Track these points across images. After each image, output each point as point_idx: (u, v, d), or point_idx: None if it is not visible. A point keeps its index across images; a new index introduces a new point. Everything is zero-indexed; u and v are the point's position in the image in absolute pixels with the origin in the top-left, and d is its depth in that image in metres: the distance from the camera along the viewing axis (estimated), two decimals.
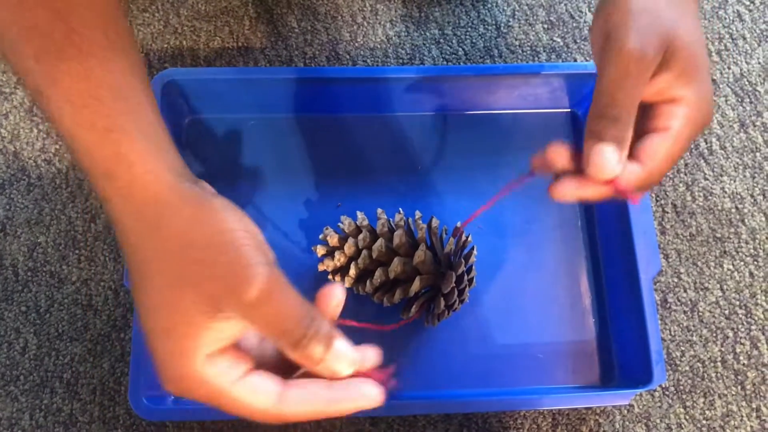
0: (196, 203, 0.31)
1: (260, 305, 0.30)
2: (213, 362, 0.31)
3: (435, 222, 0.51)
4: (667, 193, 0.60)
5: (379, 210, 0.51)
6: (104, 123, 0.30)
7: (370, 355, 0.34)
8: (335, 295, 0.34)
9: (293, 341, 0.31)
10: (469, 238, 0.51)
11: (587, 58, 0.64)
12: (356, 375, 0.33)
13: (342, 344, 0.32)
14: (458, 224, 0.48)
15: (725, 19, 0.66)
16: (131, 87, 0.32)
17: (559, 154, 0.37)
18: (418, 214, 0.51)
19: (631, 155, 0.37)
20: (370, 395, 0.33)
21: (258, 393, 0.32)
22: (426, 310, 0.51)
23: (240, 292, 0.30)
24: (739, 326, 0.57)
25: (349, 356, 0.33)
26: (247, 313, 0.30)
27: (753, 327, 0.57)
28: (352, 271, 0.49)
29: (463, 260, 0.49)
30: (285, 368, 0.34)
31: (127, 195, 0.31)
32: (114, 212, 0.31)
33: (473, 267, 0.51)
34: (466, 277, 0.50)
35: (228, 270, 0.30)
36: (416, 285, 0.48)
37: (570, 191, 0.37)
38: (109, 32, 0.32)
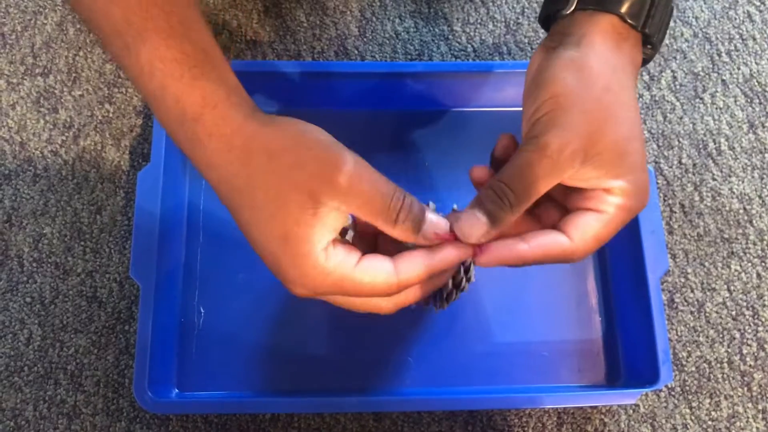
0: (273, 121, 0.35)
1: (353, 187, 0.33)
2: (329, 254, 0.34)
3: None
4: (675, 193, 0.60)
5: None
6: (191, 74, 0.34)
7: (445, 223, 0.37)
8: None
9: (390, 217, 0.35)
10: None
11: None
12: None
13: (433, 215, 0.36)
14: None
15: (735, 19, 0.66)
16: (207, 39, 0.36)
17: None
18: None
19: (558, 227, 0.37)
20: (462, 249, 0.36)
21: (377, 271, 0.35)
22: (433, 296, 0.51)
23: (333, 178, 0.33)
24: (746, 327, 0.57)
25: (441, 224, 0.36)
26: (344, 198, 0.34)
27: (760, 328, 0.57)
28: None
29: None
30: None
31: (215, 132, 0.34)
32: (206, 153, 0.34)
33: None
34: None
35: (318, 162, 0.34)
36: None
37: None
38: None
